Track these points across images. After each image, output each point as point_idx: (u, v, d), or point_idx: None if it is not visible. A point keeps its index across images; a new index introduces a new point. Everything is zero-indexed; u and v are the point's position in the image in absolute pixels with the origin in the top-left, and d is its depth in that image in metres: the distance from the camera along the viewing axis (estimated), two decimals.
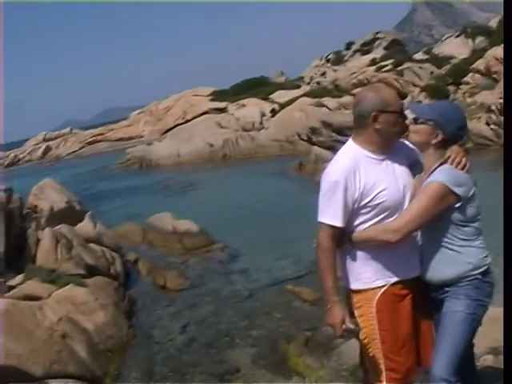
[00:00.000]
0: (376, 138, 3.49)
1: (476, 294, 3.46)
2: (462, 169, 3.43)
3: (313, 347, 8.98)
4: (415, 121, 3.52)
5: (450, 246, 3.46)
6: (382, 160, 3.55)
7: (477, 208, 3.55)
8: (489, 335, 5.78)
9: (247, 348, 9.89)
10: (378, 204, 3.49)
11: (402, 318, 3.53)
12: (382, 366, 3.54)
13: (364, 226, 3.53)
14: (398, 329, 3.53)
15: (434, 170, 3.46)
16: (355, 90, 45.77)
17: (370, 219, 3.52)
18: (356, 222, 3.54)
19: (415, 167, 3.66)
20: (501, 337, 5.79)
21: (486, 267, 3.55)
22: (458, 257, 3.44)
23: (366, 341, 3.60)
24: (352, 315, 3.58)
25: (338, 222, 3.46)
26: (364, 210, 3.51)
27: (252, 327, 10.78)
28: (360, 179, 3.47)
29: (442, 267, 3.47)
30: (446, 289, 3.50)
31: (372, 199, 3.48)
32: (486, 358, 4.99)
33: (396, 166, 3.58)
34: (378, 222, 3.52)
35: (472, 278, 3.47)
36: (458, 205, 3.41)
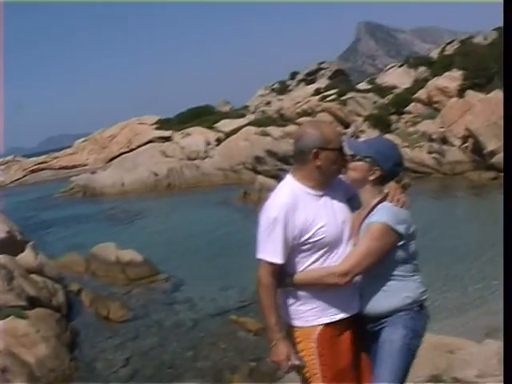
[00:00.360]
0: (316, 174, 3.51)
1: (413, 324, 3.50)
2: (402, 206, 3.48)
3: (257, 377, 8.99)
4: (352, 157, 3.55)
5: (388, 283, 3.50)
6: (321, 196, 3.57)
7: (416, 245, 3.59)
8: (430, 362, 5.92)
9: (192, 379, 9.82)
10: (318, 240, 3.49)
11: (341, 352, 3.56)
12: None
13: (304, 261, 3.54)
14: (338, 363, 3.54)
15: (374, 207, 3.51)
16: (300, 119, 46.27)
17: (309, 255, 3.53)
18: (296, 258, 3.54)
19: (353, 201, 3.69)
20: (441, 364, 5.94)
21: (422, 301, 3.61)
22: (397, 291, 3.49)
23: (307, 375, 3.57)
24: (296, 353, 3.60)
25: (278, 259, 3.45)
26: (304, 247, 3.51)
27: (197, 358, 10.73)
28: (299, 216, 3.47)
29: (381, 300, 3.51)
30: (384, 320, 3.53)
31: (311, 236, 3.49)
32: None
33: (335, 201, 3.61)
34: (318, 257, 3.53)
35: (409, 309, 3.51)
36: (400, 243, 3.45)
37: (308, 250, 3.53)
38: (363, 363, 3.69)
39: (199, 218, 27.47)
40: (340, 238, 3.56)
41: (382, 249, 3.41)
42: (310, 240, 3.50)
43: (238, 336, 11.64)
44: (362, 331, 3.64)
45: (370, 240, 3.42)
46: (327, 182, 3.59)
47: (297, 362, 3.50)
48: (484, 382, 5.00)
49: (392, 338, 3.49)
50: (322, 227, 3.50)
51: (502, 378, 5.03)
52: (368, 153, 3.52)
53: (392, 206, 3.46)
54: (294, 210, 3.48)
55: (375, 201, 3.52)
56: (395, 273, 3.52)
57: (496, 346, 6.04)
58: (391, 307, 3.52)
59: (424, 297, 3.60)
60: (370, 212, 3.51)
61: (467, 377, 5.21)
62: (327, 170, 3.53)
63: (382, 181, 3.54)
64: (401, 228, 3.42)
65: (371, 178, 3.53)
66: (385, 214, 3.44)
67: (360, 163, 3.53)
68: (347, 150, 3.53)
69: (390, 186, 3.52)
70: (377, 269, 3.49)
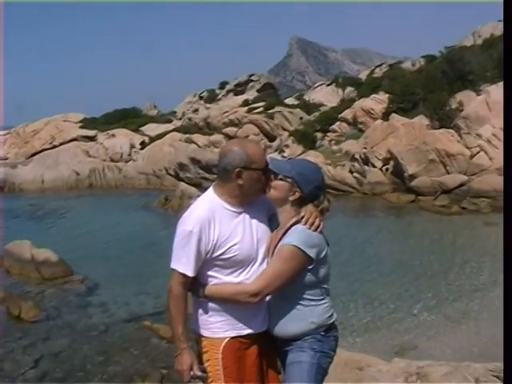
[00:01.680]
0: (237, 192, 3.55)
1: (319, 346, 3.55)
2: (316, 229, 3.49)
3: None
4: (275, 176, 3.57)
5: (297, 306, 3.54)
6: (240, 213, 3.61)
7: (328, 268, 3.64)
8: (339, 377, 6.07)
9: None
10: (230, 257, 3.53)
11: (247, 365, 3.60)
12: None
13: (217, 274, 3.58)
14: (243, 376, 3.59)
15: (289, 228, 3.53)
16: (226, 129, 46.43)
17: (222, 270, 3.58)
18: (209, 271, 3.58)
19: (273, 220, 3.74)
20: (349, 380, 6.09)
21: (329, 325, 3.66)
22: (304, 316, 3.53)
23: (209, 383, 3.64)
24: (200, 362, 3.63)
25: (190, 272, 3.49)
26: (216, 262, 3.56)
27: (108, 363, 10.64)
28: (214, 231, 3.51)
29: (288, 324, 3.56)
30: (291, 342, 3.58)
31: (224, 252, 3.53)
32: None
33: (253, 219, 3.65)
34: (231, 272, 3.57)
35: (315, 333, 3.56)
36: (310, 267, 3.48)
37: (221, 265, 3.58)
38: (274, 380, 3.76)
39: (119, 222, 27.19)
40: (254, 256, 3.61)
41: (291, 271, 3.46)
42: (223, 256, 3.55)
43: (151, 342, 11.61)
44: (272, 349, 3.71)
45: (280, 261, 3.46)
46: (248, 200, 3.64)
47: (199, 373, 3.54)
48: None
49: (300, 359, 3.55)
50: (235, 245, 3.54)
51: None
52: (290, 173, 3.55)
53: (305, 229, 3.49)
54: (209, 225, 3.51)
55: (291, 222, 3.56)
56: (304, 296, 3.57)
57: (403, 364, 6.23)
58: (296, 332, 3.57)
59: (330, 321, 3.64)
60: (285, 233, 3.55)
61: None
62: (249, 189, 3.57)
63: (301, 202, 3.57)
64: (311, 252, 3.46)
65: (291, 198, 3.56)
66: (296, 236, 3.47)
67: (281, 183, 3.55)
68: (270, 168, 3.57)
69: (307, 209, 3.55)
70: (286, 290, 3.54)
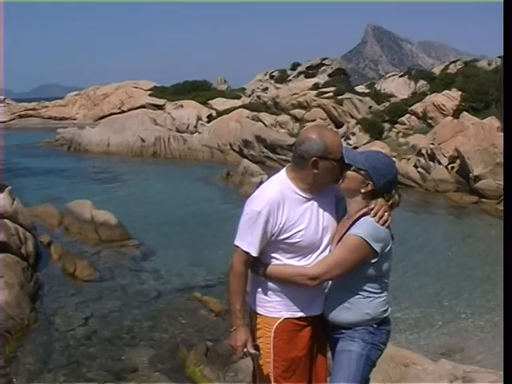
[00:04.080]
0: (310, 179, 3.56)
1: (371, 338, 3.59)
2: (384, 223, 3.51)
3: (212, 358, 9.04)
4: (348, 167, 3.57)
5: (355, 296, 3.58)
6: (309, 199, 3.62)
7: (390, 263, 3.65)
8: (384, 372, 6.05)
9: (147, 349, 9.88)
10: (294, 243, 3.57)
11: (297, 348, 3.66)
12: None
13: (279, 256, 3.62)
14: (292, 357, 3.64)
15: (357, 219, 3.55)
16: (294, 111, 46.26)
17: (285, 253, 3.61)
18: (272, 252, 3.62)
19: (340, 208, 3.75)
20: (394, 375, 6.06)
21: (382, 319, 3.68)
22: (360, 306, 3.56)
23: (260, 362, 3.69)
24: (253, 338, 3.68)
25: (254, 252, 3.53)
26: (280, 245, 3.59)
27: (155, 329, 10.78)
28: (282, 215, 3.54)
29: (344, 312, 3.59)
30: (343, 330, 3.63)
31: (289, 237, 3.56)
32: None
33: (321, 207, 3.66)
34: (293, 257, 3.61)
35: (368, 325, 3.59)
36: (374, 260, 3.51)
37: (284, 248, 3.61)
38: (322, 364, 3.78)
39: (179, 191, 27.46)
40: (318, 244, 3.63)
41: (354, 262, 3.48)
42: (287, 241, 3.58)
43: (199, 314, 11.71)
44: (324, 335, 3.74)
45: (345, 251, 3.49)
46: (319, 188, 3.65)
47: (252, 351, 3.59)
48: None
49: (349, 348, 3.59)
50: (300, 231, 3.58)
51: None
52: (364, 166, 3.55)
53: (373, 223, 3.50)
54: (278, 208, 3.54)
55: (360, 213, 3.57)
56: (363, 287, 3.60)
57: (450, 366, 6.16)
58: (350, 321, 3.61)
59: (384, 315, 3.67)
60: (353, 223, 3.56)
61: None
62: (323, 178, 3.58)
63: (372, 195, 3.58)
64: (377, 246, 3.48)
65: (363, 190, 3.58)
66: (364, 228, 3.49)
67: (354, 174, 3.56)
68: (345, 159, 3.54)
69: (378, 202, 3.56)
70: (346, 280, 3.57)
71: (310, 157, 3.50)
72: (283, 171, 3.71)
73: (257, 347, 3.62)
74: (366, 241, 3.45)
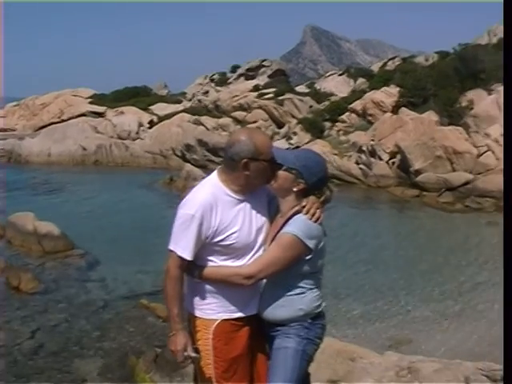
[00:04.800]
0: (242, 181, 3.60)
1: (306, 333, 3.65)
2: (316, 220, 3.57)
3: (161, 364, 9.03)
4: (279, 166, 3.61)
5: (288, 293, 3.64)
6: (242, 201, 3.67)
7: (323, 259, 3.72)
8: (331, 367, 6.13)
9: (96, 359, 9.85)
10: (229, 245, 3.61)
11: (236, 348, 3.71)
12: None
13: (212, 259, 3.67)
14: (231, 357, 3.70)
15: (290, 217, 3.60)
16: (235, 113, 46.36)
17: (220, 255, 3.66)
18: (207, 254, 3.66)
19: (272, 205, 3.81)
20: (341, 370, 6.15)
21: (316, 314, 3.73)
22: (293, 302, 3.62)
23: (201, 364, 3.73)
24: (192, 341, 3.71)
25: (188, 256, 3.56)
26: (214, 248, 3.63)
27: (103, 338, 10.75)
28: (216, 217, 3.58)
29: (278, 309, 3.65)
30: (279, 328, 3.69)
31: (223, 239, 3.60)
32: None
33: (254, 207, 3.72)
34: (228, 258, 3.65)
35: (302, 320, 3.66)
36: (308, 257, 3.57)
37: (219, 250, 3.66)
38: (262, 363, 3.84)
39: (123, 199, 27.25)
40: (252, 244, 3.69)
41: (288, 259, 3.53)
42: (222, 243, 3.63)
43: (147, 321, 11.71)
44: (262, 333, 3.79)
45: (279, 249, 3.54)
46: (251, 189, 3.70)
47: (192, 354, 3.63)
48: None
49: (285, 345, 3.65)
50: (234, 233, 3.62)
51: None
52: (295, 165, 3.60)
53: (306, 220, 3.56)
54: (212, 210, 3.57)
55: (292, 211, 3.62)
56: (297, 284, 3.66)
57: (395, 358, 6.29)
58: (284, 317, 3.68)
59: (318, 310, 3.74)
60: (286, 221, 3.61)
61: None
62: (254, 179, 3.62)
63: (304, 193, 3.63)
64: (310, 243, 3.54)
65: (295, 189, 3.63)
66: (297, 226, 3.55)
67: (285, 174, 3.61)
68: (276, 159, 3.60)
69: (309, 200, 3.62)
70: (280, 277, 3.63)
71: (241, 159, 3.54)
72: (214, 174, 3.74)
73: (197, 350, 3.66)
74: (300, 238, 3.50)
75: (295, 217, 3.58)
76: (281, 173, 3.61)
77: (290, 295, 3.64)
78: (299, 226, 3.53)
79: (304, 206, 3.58)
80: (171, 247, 3.60)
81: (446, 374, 5.53)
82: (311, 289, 3.68)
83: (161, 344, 10.14)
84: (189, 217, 3.54)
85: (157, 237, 17.84)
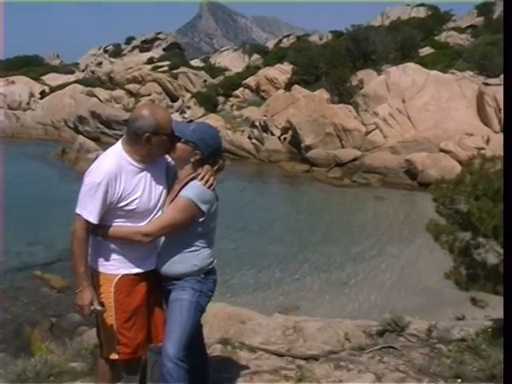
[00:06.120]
0: (144, 152, 3.90)
1: (199, 287, 4.03)
2: (209, 187, 3.92)
3: (57, 333, 9.19)
4: (178, 139, 3.91)
5: (184, 250, 4.01)
6: (143, 170, 3.97)
7: (215, 221, 4.11)
8: (222, 329, 6.52)
9: None
10: (131, 209, 3.92)
11: (135, 300, 4.03)
12: (116, 340, 4.04)
13: (116, 221, 3.95)
14: (131, 309, 4.02)
15: (186, 183, 3.93)
16: (129, 85, 46.00)
17: (122, 219, 3.96)
18: (110, 220, 3.94)
19: (170, 172, 4.12)
20: (232, 331, 6.54)
21: (209, 270, 4.12)
22: (189, 258, 4.00)
23: (103, 316, 4.02)
24: (98, 297, 3.98)
25: (94, 219, 3.82)
26: (118, 212, 3.92)
27: None
28: (120, 185, 3.86)
29: (175, 264, 4.01)
30: (175, 282, 4.05)
31: (126, 204, 3.90)
32: (216, 347, 5.63)
33: (154, 175, 4.03)
34: (128, 222, 3.96)
35: (196, 275, 4.04)
36: (201, 219, 3.93)
37: (122, 214, 3.97)
38: (159, 314, 4.20)
39: (14, 170, 26.65)
40: (152, 208, 4.01)
41: (183, 220, 3.89)
42: (125, 208, 3.94)
43: (41, 292, 11.76)
44: (159, 287, 4.15)
45: (175, 211, 3.90)
46: (152, 159, 4.02)
47: (98, 308, 3.95)
48: (266, 347, 5.63)
49: (181, 297, 4.00)
50: (136, 198, 3.93)
51: (283, 345, 5.72)
52: (192, 138, 3.93)
53: (200, 186, 3.91)
54: (116, 179, 3.87)
55: (189, 177, 3.96)
56: (191, 243, 4.03)
57: (282, 319, 6.73)
58: (180, 272, 4.03)
59: (210, 266, 4.12)
60: (183, 187, 3.95)
61: (253, 343, 5.81)
62: (155, 151, 3.95)
63: (200, 163, 3.97)
64: (204, 206, 3.90)
65: (192, 159, 3.96)
66: (192, 191, 3.89)
67: (184, 146, 3.93)
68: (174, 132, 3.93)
69: (204, 168, 3.96)
70: (176, 236, 4.00)
71: (144, 133, 3.82)
72: (119, 143, 4.03)
73: (102, 304, 3.97)
74: (194, 202, 3.86)
75: (191, 183, 3.93)
76: (179, 145, 3.94)
77: (186, 252, 4.02)
78: (194, 190, 3.89)
79: (199, 174, 3.93)
80: (78, 211, 3.86)
81: (327, 331, 6.01)
82: (205, 247, 4.07)
83: (56, 314, 10.28)
84: (95, 184, 3.81)
85: (49, 209, 17.80)
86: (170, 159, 4.09)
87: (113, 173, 3.83)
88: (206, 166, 3.95)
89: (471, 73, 29.70)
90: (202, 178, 3.90)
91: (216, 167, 4.02)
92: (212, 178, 3.94)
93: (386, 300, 11.84)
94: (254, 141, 30.80)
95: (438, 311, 9.66)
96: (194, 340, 4.10)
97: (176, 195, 3.92)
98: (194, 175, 3.91)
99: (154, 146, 3.88)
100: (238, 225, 17.24)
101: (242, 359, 5.34)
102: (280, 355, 5.45)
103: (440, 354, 5.09)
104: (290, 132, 29.51)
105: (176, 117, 35.06)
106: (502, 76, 26.60)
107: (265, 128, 30.58)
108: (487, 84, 27.01)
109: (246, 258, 14.69)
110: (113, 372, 4.16)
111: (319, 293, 12.69)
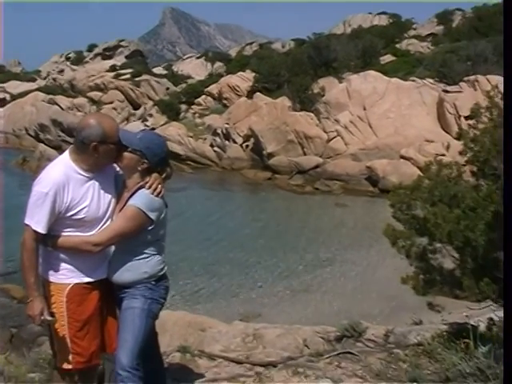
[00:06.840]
0: (91, 161, 3.90)
1: (150, 294, 4.03)
2: (157, 195, 3.93)
3: (17, 344, 9.06)
4: (125, 148, 3.92)
5: (134, 258, 4.01)
6: (91, 179, 3.96)
7: (164, 229, 4.13)
8: (182, 337, 6.52)
9: None
10: (80, 219, 3.91)
11: (88, 309, 4.02)
12: (69, 350, 4.00)
13: (66, 230, 3.94)
14: (84, 318, 4.01)
15: (135, 192, 3.94)
16: (91, 93, 45.73)
17: (71, 229, 3.94)
18: (59, 229, 3.93)
19: (118, 180, 4.11)
20: (191, 339, 6.53)
21: (159, 276, 4.11)
22: (139, 266, 4.01)
23: (56, 326, 4.00)
24: (48, 305, 3.97)
25: (42, 229, 3.81)
26: (67, 221, 3.91)
27: None
28: (68, 194, 3.85)
29: (125, 272, 4.02)
30: (126, 290, 4.04)
31: (75, 214, 3.89)
32: (175, 355, 5.63)
33: (102, 183, 4.02)
34: (77, 231, 3.95)
35: (146, 282, 4.04)
36: (150, 227, 3.94)
37: (71, 224, 3.96)
38: (112, 323, 4.19)
39: None
40: (101, 217, 4.01)
41: (131, 229, 3.90)
42: (74, 217, 3.92)
43: (1, 302, 11.62)
44: (112, 296, 4.14)
45: (124, 220, 3.91)
46: (99, 168, 4.01)
47: (49, 318, 3.94)
48: (225, 355, 5.65)
49: (132, 305, 4.00)
50: (85, 207, 3.92)
51: (242, 352, 5.74)
52: (139, 147, 3.94)
53: (148, 194, 3.92)
54: (64, 188, 3.85)
55: (137, 186, 3.97)
56: (141, 251, 4.03)
57: (242, 326, 6.75)
58: (130, 280, 4.03)
59: (161, 273, 4.13)
60: (131, 196, 3.95)
61: (212, 351, 5.82)
62: (103, 160, 3.95)
63: (148, 171, 3.98)
64: (152, 214, 3.92)
65: (139, 168, 3.97)
66: (140, 199, 3.90)
67: (131, 155, 3.94)
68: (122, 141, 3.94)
69: (152, 176, 3.97)
70: (126, 245, 4.00)
71: (90, 142, 3.82)
72: (66, 153, 4.03)
73: (52, 314, 3.95)
74: (143, 210, 3.88)
75: (139, 191, 3.94)
76: (126, 154, 3.94)
77: (136, 260, 4.03)
78: (142, 199, 3.90)
79: (147, 182, 3.94)
80: (27, 221, 3.84)
81: (286, 338, 6.04)
82: (154, 254, 4.08)
83: (16, 324, 10.16)
84: (43, 194, 3.80)
85: (9, 219, 17.55)
86: (118, 168, 4.07)
87: (60, 182, 3.83)
88: (154, 175, 3.97)
89: (431, 80, 30.03)
90: (149, 187, 3.92)
91: (164, 175, 4.04)
92: (160, 186, 3.96)
93: (347, 306, 11.92)
94: (216, 148, 30.83)
95: (398, 316, 9.78)
96: (149, 348, 4.12)
97: (125, 204, 3.91)
98: (141, 184, 3.93)
99: (101, 155, 3.88)
100: (203, 233, 17.24)
101: (200, 367, 5.36)
102: (239, 362, 5.48)
103: (397, 358, 5.16)
104: (252, 139, 29.60)
105: (138, 125, 34.97)
106: (461, 83, 27.17)
107: (227, 136, 30.64)
108: (447, 91, 27.40)
109: (209, 265, 14.70)
110: (68, 382, 4.12)
111: (281, 300, 12.74)
